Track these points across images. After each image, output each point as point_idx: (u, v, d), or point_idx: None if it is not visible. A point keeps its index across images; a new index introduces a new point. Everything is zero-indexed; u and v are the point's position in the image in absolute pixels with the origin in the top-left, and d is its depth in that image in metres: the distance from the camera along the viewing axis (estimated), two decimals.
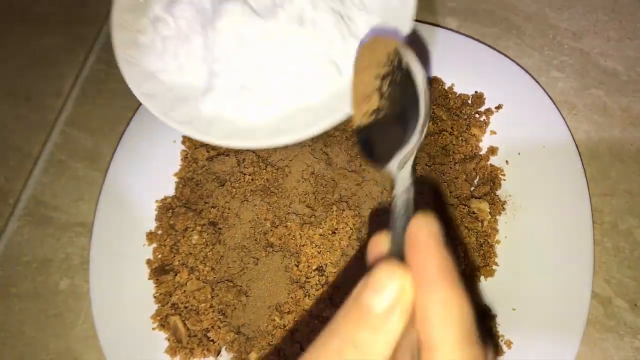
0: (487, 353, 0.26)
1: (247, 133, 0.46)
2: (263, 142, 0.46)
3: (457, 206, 0.56)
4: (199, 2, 0.49)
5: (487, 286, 0.56)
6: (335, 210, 0.55)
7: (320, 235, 0.55)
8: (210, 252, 0.57)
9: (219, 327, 0.56)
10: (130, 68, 0.50)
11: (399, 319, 0.25)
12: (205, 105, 0.48)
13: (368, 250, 0.31)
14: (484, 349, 0.25)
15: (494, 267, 0.56)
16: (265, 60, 0.47)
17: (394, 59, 0.38)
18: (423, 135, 0.35)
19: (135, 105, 0.69)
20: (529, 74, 0.62)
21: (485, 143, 0.61)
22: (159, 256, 0.61)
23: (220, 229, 0.58)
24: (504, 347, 0.53)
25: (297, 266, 0.54)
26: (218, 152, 0.63)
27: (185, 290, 0.57)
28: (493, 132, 0.61)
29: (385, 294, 0.25)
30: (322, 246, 0.55)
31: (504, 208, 0.58)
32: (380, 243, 0.30)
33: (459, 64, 0.64)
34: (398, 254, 0.28)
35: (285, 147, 0.59)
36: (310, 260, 0.54)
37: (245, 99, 0.47)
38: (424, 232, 0.27)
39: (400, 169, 0.34)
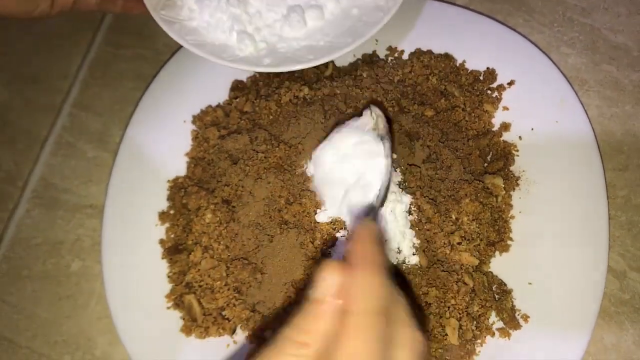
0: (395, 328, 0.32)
1: (295, 58, 0.53)
2: (312, 63, 0.53)
3: (472, 181, 0.56)
4: None
5: (502, 261, 0.56)
6: None
7: None
8: (225, 231, 0.57)
9: (234, 305, 0.56)
10: (170, 25, 0.53)
11: (333, 306, 0.31)
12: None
13: None
14: (388, 324, 0.31)
15: (509, 242, 0.56)
16: None
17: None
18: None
19: (143, 86, 0.69)
20: (541, 50, 0.62)
21: (497, 119, 0.61)
22: (172, 236, 0.61)
23: (234, 207, 0.58)
24: (521, 321, 0.53)
25: (313, 243, 0.54)
26: (229, 131, 0.62)
27: (199, 269, 0.57)
28: (505, 108, 0.61)
29: (321, 288, 0.32)
30: (337, 222, 0.54)
31: (517, 183, 0.58)
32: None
33: (470, 40, 0.64)
34: None
35: (298, 125, 0.59)
36: (325, 237, 0.54)
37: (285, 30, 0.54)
38: (362, 229, 0.35)
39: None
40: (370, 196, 0.49)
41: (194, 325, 0.57)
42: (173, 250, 0.59)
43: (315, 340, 0.31)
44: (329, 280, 0.32)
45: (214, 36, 0.55)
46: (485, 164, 0.59)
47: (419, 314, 0.53)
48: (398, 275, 0.53)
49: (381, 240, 0.35)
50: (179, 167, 0.64)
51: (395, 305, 0.33)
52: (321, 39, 0.54)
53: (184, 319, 0.58)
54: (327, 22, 0.56)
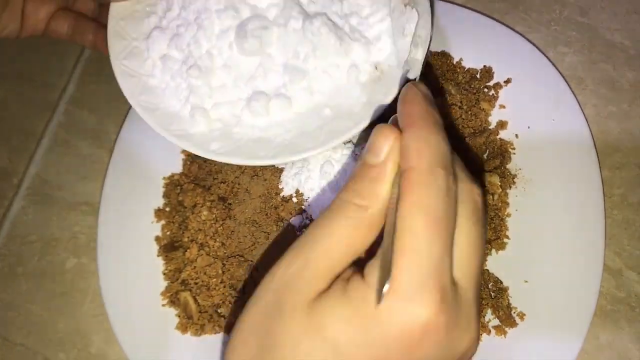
0: (456, 184, 0.31)
1: (245, 149, 0.46)
2: (262, 161, 0.46)
3: None
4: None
5: (499, 259, 0.56)
6: None
7: None
8: (221, 228, 0.57)
9: (230, 303, 0.56)
10: (127, 79, 0.49)
11: (391, 166, 0.31)
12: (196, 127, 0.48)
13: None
14: (453, 179, 0.30)
15: (505, 240, 0.56)
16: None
17: None
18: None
19: None
20: (538, 48, 0.62)
21: (494, 117, 0.61)
22: (168, 233, 0.61)
23: (230, 204, 0.58)
24: (517, 319, 0.53)
25: None
26: None
27: (195, 267, 0.57)
28: (502, 106, 0.61)
29: (379, 150, 0.31)
30: None
31: (514, 182, 0.58)
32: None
33: (467, 38, 0.64)
34: None
35: None
36: None
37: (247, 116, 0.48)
38: (412, 90, 0.33)
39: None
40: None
41: (189, 322, 0.57)
42: (169, 247, 0.59)
43: (374, 203, 0.31)
44: (385, 142, 0.31)
45: (169, 102, 0.49)
46: (482, 162, 0.59)
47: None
48: None
49: (432, 99, 0.34)
50: (174, 164, 0.63)
51: (453, 161, 0.32)
52: (280, 134, 0.47)
53: (179, 316, 0.57)
54: (294, 115, 0.47)
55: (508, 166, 0.59)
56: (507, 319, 0.53)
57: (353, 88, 0.47)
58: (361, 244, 0.31)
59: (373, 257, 0.31)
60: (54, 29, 0.56)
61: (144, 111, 0.48)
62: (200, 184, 0.60)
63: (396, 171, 0.32)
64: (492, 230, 0.56)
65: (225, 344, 0.56)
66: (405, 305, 0.28)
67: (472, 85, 0.62)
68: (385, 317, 0.28)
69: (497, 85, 0.62)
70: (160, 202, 0.62)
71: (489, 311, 0.54)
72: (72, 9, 0.58)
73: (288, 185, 0.56)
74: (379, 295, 0.28)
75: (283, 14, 0.47)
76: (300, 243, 0.32)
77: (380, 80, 0.48)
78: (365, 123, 0.45)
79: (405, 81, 0.40)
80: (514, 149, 0.59)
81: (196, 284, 0.57)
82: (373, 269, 0.30)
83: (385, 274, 0.28)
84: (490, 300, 0.54)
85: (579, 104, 0.59)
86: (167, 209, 0.62)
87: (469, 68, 0.63)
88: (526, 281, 0.54)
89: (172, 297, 0.58)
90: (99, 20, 0.58)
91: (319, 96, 0.47)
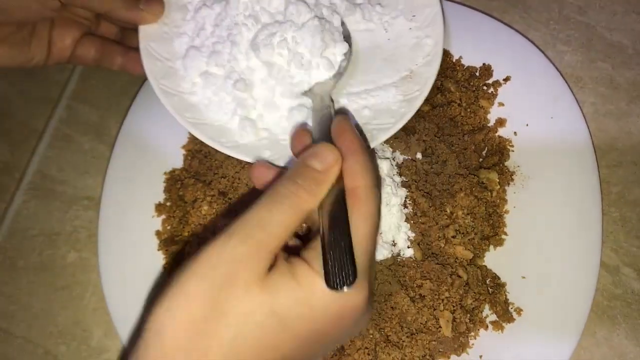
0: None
1: None
2: None
3: (467, 176, 0.57)
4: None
5: (497, 255, 0.56)
6: None
7: None
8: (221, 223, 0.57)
9: None
10: (169, 97, 0.49)
11: (332, 175, 0.38)
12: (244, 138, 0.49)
13: (293, 144, 0.45)
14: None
15: (503, 236, 0.57)
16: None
17: None
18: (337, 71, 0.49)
19: (139, 80, 0.69)
20: (537, 47, 0.63)
21: (493, 114, 0.62)
22: (168, 227, 0.61)
23: (230, 199, 0.58)
24: (514, 315, 0.53)
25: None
26: None
27: None
28: (501, 104, 0.62)
29: (326, 160, 0.38)
30: None
31: (512, 178, 0.58)
32: (304, 137, 0.44)
33: (467, 36, 0.64)
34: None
35: None
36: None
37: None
38: (347, 124, 0.41)
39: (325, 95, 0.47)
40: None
41: None
42: (169, 241, 0.60)
43: (314, 199, 0.37)
44: (332, 157, 0.38)
45: (214, 116, 0.49)
46: (481, 159, 0.60)
47: None
48: None
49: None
50: (175, 159, 0.64)
51: None
52: None
53: None
54: None
55: (506, 163, 0.59)
56: (505, 314, 0.53)
57: (388, 88, 0.50)
58: (294, 230, 0.37)
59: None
60: (80, 54, 0.55)
61: (194, 127, 0.48)
62: (201, 179, 0.61)
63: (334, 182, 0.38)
64: (491, 227, 0.56)
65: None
66: (349, 292, 0.35)
67: (472, 83, 0.62)
68: (329, 299, 0.35)
69: (496, 83, 0.62)
70: (161, 196, 0.63)
71: (487, 306, 0.54)
72: (96, 34, 0.57)
73: None
74: (328, 281, 0.34)
75: (300, 19, 0.48)
76: (249, 222, 0.35)
77: (412, 79, 0.51)
78: (408, 116, 0.48)
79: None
80: (512, 146, 0.60)
81: None
82: (314, 257, 0.36)
83: (328, 263, 0.35)
84: (488, 295, 0.54)
85: (578, 102, 0.59)
86: (168, 204, 0.62)
87: (468, 66, 0.63)
88: (524, 277, 0.55)
89: None
90: (124, 43, 0.58)
91: (356, 99, 0.50)
